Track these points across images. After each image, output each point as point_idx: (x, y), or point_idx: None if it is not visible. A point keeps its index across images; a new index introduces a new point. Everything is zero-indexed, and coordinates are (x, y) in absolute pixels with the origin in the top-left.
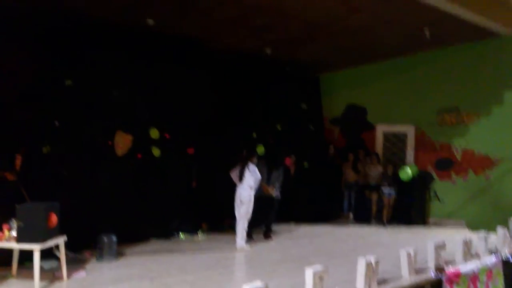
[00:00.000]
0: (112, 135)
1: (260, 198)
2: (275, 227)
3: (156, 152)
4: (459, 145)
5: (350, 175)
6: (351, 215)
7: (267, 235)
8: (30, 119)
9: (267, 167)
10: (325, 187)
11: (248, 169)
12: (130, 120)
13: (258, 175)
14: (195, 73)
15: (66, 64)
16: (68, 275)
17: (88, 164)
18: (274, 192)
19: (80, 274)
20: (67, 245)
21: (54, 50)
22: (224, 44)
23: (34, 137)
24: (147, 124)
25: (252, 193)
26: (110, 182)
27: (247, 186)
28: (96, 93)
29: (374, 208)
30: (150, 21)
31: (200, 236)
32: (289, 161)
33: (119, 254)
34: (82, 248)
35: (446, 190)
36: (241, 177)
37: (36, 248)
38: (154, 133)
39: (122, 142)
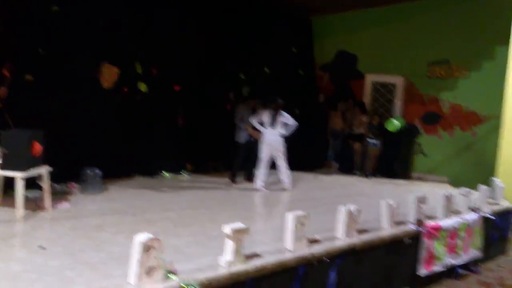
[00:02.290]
0: (98, 67)
1: (249, 142)
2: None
3: (143, 87)
4: (447, 99)
5: (337, 124)
6: (335, 164)
7: (250, 178)
8: (14, 44)
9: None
10: (312, 135)
11: (282, 115)
12: (117, 53)
13: (294, 122)
14: (185, 9)
15: None
16: (52, 206)
17: (73, 95)
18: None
19: (64, 205)
20: (52, 176)
21: None
22: None
23: (17, 63)
24: (134, 58)
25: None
26: (95, 115)
27: (278, 132)
28: (83, 21)
29: (357, 158)
30: None
31: (184, 175)
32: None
33: (103, 189)
34: (67, 180)
35: (431, 145)
36: (272, 123)
37: (19, 176)
38: (139, 68)
39: (108, 74)
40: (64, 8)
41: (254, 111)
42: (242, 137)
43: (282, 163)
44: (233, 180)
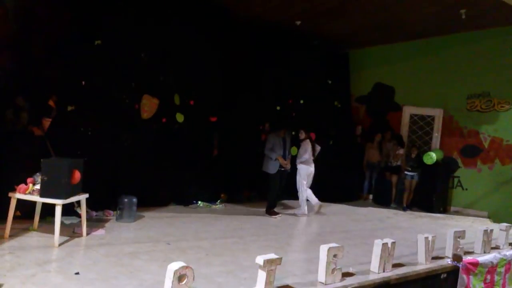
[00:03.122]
0: (139, 98)
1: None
2: (293, 203)
3: (180, 118)
4: (487, 133)
5: (374, 156)
6: (370, 197)
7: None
8: (58, 77)
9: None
10: (347, 167)
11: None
12: (157, 85)
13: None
14: (223, 42)
15: (97, 23)
16: (88, 232)
17: (113, 125)
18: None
19: (99, 232)
20: (88, 203)
21: (85, 9)
22: (253, 13)
23: (61, 95)
24: (173, 89)
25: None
26: (134, 145)
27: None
28: (125, 54)
29: (394, 190)
30: None
31: (219, 205)
32: (314, 136)
33: (138, 216)
34: (103, 207)
35: (470, 179)
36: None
37: (58, 203)
38: (177, 99)
39: (148, 106)
40: (106, 41)
41: (284, 140)
42: (272, 167)
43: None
44: (272, 212)
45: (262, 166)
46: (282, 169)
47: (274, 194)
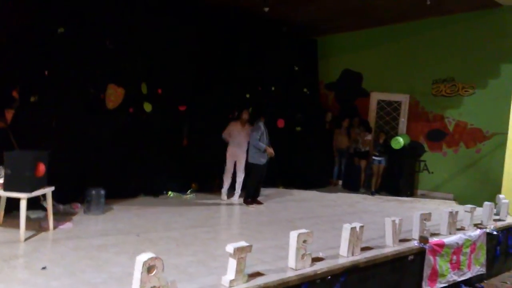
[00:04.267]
0: (104, 88)
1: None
2: (264, 190)
3: (148, 107)
4: (452, 117)
5: (342, 142)
6: (340, 182)
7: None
8: (20, 67)
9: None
10: (316, 153)
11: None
12: (123, 74)
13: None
14: (189, 28)
15: (59, 11)
16: (55, 226)
17: (78, 116)
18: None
19: (67, 226)
20: (55, 196)
21: None
22: None
23: (23, 85)
24: (139, 78)
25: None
26: (100, 136)
27: None
28: (89, 43)
29: (363, 175)
30: None
31: (189, 195)
32: (282, 123)
33: (106, 209)
34: (70, 200)
35: (436, 162)
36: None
37: (22, 197)
38: (144, 88)
39: (114, 95)
40: (69, 30)
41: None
42: (260, 157)
43: None
44: (249, 201)
45: (249, 158)
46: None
47: (255, 184)
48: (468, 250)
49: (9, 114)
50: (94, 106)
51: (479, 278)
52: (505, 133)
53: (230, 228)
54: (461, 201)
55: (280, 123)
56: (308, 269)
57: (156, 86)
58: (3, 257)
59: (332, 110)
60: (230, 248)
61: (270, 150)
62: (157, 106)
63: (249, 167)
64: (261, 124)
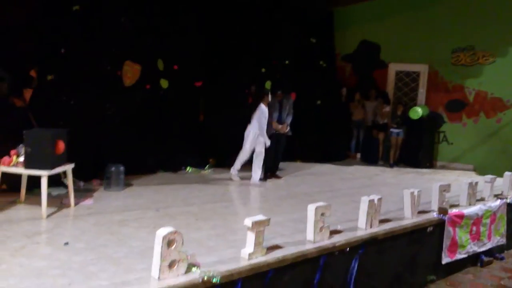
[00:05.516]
0: (120, 65)
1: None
2: (282, 164)
3: (164, 83)
4: (472, 87)
5: (358, 114)
6: (358, 155)
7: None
8: (36, 46)
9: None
10: (334, 126)
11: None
12: (139, 50)
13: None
14: (204, 3)
15: None
16: (76, 203)
17: (96, 94)
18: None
19: (87, 202)
20: (75, 173)
21: None
22: None
23: (40, 64)
24: (155, 55)
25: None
26: (118, 112)
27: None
28: (104, 19)
29: (381, 148)
30: None
31: (207, 170)
32: (294, 96)
33: (126, 185)
34: (90, 177)
35: (456, 133)
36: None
37: (43, 174)
38: (161, 65)
39: (131, 72)
40: (84, 7)
41: (280, 104)
42: (268, 131)
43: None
44: (266, 175)
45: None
46: (277, 133)
47: (268, 158)
48: (488, 220)
49: (28, 94)
50: (111, 83)
51: (500, 249)
52: None
53: (249, 202)
54: (481, 171)
55: (292, 96)
56: (327, 241)
57: (172, 62)
58: (26, 233)
59: (348, 82)
60: (248, 221)
61: (277, 125)
62: (174, 82)
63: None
64: (274, 99)
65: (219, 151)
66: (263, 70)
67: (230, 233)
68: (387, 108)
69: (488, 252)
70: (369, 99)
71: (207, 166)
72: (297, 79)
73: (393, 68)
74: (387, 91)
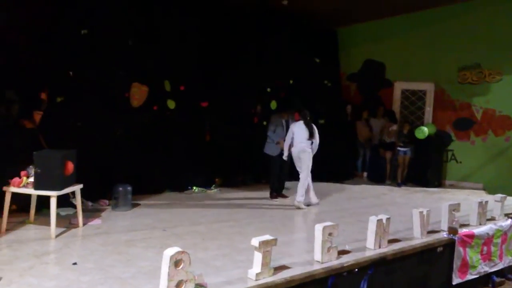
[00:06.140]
0: (128, 86)
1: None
2: (288, 184)
3: (171, 104)
4: (479, 105)
5: (364, 133)
6: (365, 174)
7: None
8: (46, 69)
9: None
10: (340, 145)
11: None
12: (146, 72)
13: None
14: (210, 25)
15: (82, 13)
16: (84, 223)
17: (104, 115)
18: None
19: (96, 222)
20: (84, 194)
21: None
22: None
23: (49, 86)
24: (162, 76)
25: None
26: (126, 134)
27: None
28: (112, 42)
29: (388, 167)
30: None
31: (214, 190)
32: (297, 116)
33: (133, 205)
34: (98, 197)
35: (464, 151)
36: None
37: (52, 195)
38: (168, 86)
39: (138, 94)
40: (92, 31)
41: (287, 123)
42: (274, 149)
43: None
44: (272, 195)
45: (264, 147)
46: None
47: (275, 177)
48: (499, 240)
49: (38, 116)
50: (119, 104)
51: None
52: None
53: (255, 222)
54: (491, 190)
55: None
56: (335, 262)
57: (178, 83)
58: (35, 253)
59: (354, 101)
60: (255, 241)
61: (283, 144)
62: (180, 103)
63: (265, 158)
64: (279, 118)
65: (225, 170)
66: (269, 89)
67: (236, 253)
68: (394, 127)
69: (499, 273)
70: (376, 116)
71: (213, 185)
72: (302, 99)
73: (399, 87)
74: (393, 109)
